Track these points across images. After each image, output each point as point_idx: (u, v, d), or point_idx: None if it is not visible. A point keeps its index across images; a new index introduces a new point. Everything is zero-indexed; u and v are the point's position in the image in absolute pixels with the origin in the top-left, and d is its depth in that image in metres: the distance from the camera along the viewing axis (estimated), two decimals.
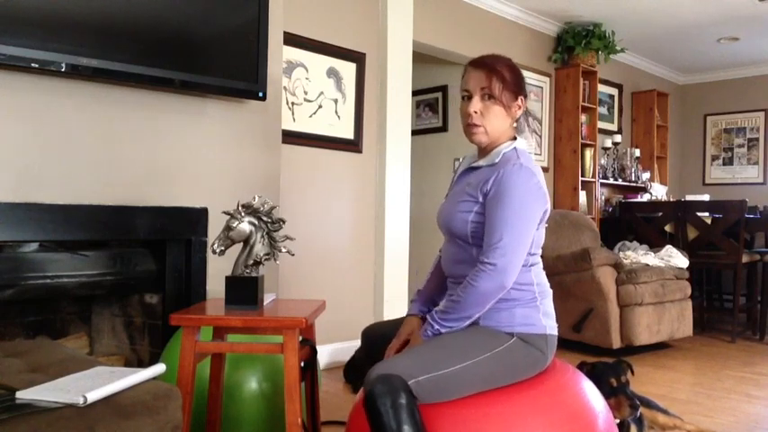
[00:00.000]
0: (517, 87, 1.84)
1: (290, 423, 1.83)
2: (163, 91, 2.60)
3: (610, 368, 2.41)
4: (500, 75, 1.80)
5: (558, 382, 1.82)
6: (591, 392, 1.86)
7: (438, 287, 1.98)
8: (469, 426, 1.63)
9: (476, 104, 1.80)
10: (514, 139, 1.87)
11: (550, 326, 1.82)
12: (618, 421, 2.36)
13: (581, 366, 2.41)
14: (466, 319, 1.74)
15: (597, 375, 2.35)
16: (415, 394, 1.57)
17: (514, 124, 1.88)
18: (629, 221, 5.50)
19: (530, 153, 1.87)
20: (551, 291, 1.89)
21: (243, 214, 1.99)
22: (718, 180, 7.43)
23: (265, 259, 2.00)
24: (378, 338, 1.97)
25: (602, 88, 6.23)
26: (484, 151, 1.88)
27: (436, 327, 1.75)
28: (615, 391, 2.33)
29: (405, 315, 2.01)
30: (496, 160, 1.80)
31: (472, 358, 1.66)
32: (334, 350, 3.78)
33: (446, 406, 1.65)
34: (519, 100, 1.85)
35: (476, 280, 1.70)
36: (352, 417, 1.84)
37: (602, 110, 6.35)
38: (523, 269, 1.79)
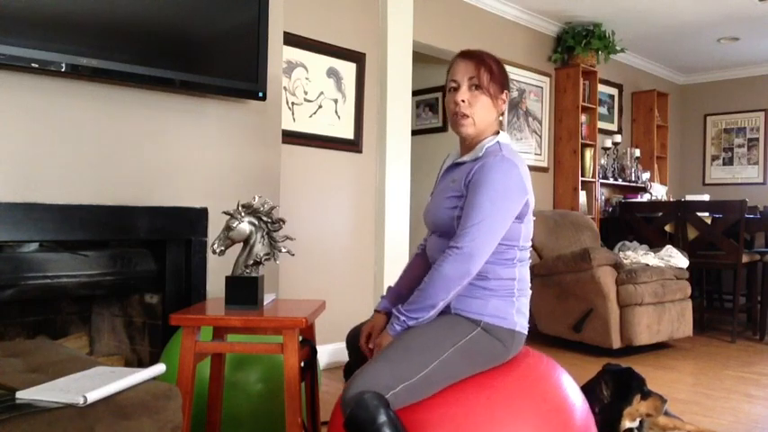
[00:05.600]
0: (503, 81, 1.86)
1: (289, 423, 1.83)
2: (163, 91, 2.60)
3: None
4: (488, 66, 1.83)
5: (533, 372, 1.82)
6: (567, 382, 1.86)
7: (409, 286, 1.94)
8: (449, 421, 1.63)
9: (464, 93, 1.82)
10: (497, 133, 1.88)
11: (521, 324, 1.81)
12: (633, 425, 2.41)
13: (621, 372, 2.48)
14: (430, 308, 1.71)
15: (638, 377, 2.45)
16: (391, 405, 1.57)
17: (500, 118, 1.89)
18: (629, 221, 5.50)
19: (516, 149, 1.88)
20: (531, 292, 1.88)
21: (243, 214, 1.99)
22: (718, 180, 7.43)
23: (265, 259, 2.00)
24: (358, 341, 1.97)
25: (602, 88, 6.23)
26: (467, 147, 1.88)
27: (402, 319, 1.73)
28: (650, 393, 2.43)
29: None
30: (480, 154, 1.81)
31: (439, 356, 1.65)
32: (334, 350, 3.78)
33: (422, 406, 1.65)
34: (504, 94, 1.87)
35: (441, 264, 1.70)
36: (334, 416, 1.84)
37: (602, 110, 6.35)
38: (509, 263, 1.79)
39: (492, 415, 1.66)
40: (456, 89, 1.84)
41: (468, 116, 1.82)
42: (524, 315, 1.83)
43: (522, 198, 1.76)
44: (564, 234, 4.87)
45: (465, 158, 1.86)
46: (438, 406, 1.66)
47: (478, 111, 1.82)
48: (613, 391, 2.41)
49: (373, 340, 1.85)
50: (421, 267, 1.99)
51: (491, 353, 1.75)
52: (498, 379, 1.75)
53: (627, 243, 5.04)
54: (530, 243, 1.86)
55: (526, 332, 1.83)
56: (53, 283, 2.43)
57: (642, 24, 5.71)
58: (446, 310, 1.78)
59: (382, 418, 1.51)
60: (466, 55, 1.86)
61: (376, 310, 1.98)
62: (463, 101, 1.81)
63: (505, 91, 1.87)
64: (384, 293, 2.05)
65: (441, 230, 1.85)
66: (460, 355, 1.68)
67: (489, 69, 1.82)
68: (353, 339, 2.00)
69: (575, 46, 5.65)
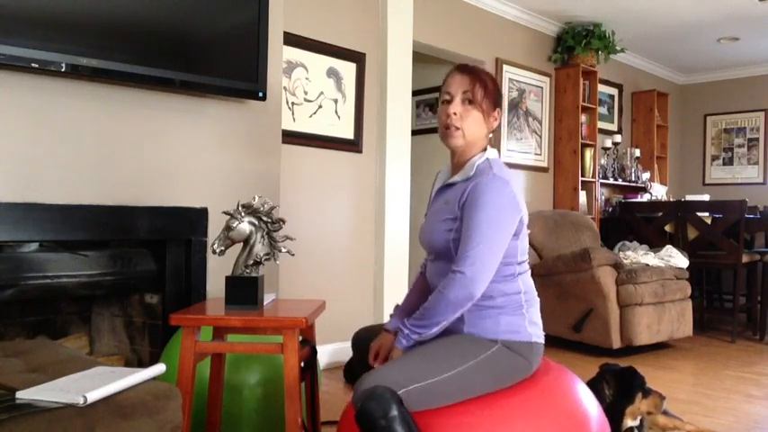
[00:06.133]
0: (497, 98, 1.87)
1: (289, 423, 1.83)
2: (163, 91, 2.60)
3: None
4: (483, 82, 1.84)
5: (552, 385, 1.82)
6: (585, 395, 1.86)
7: (417, 303, 1.94)
8: (466, 430, 1.62)
9: (456, 106, 1.82)
10: (485, 149, 1.88)
11: (536, 334, 1.81)
12: (634, 424, 2.43)
13: (622, 372, 2.51)
14: (435, 326, 1.73)
15: (639, 376, 2.49)
16: (404, 403, 1.57)
17: (490, 135, 1.90)
18: (629, 221, 5.50)
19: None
20: (539, 299, 1.88)
21: (243, 214, 1.99)
22: (718, 180, 7.43)
23: (265, 259, 2.00)
24: (368, 344, 1.96)
25: (602, 88, 6.23)
26: (457, 165, 1.89)
27: (406, 332, 1.75)
28: (650, 391, 2.47)
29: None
30: (471, 173, 1.81)
31: (458, 367, 1.66)
32: (334, 350, 3.78)
33: (441, 412, 1.65)
34: (496, 112, 1.87)
35: (445, 288, 1.71)
36: (344, 417, 1.84)
37: (602, 110, 6.35)
38: (510, 278, 1.79)
39: (511, 427, 1.65)
40: (449, 101, 1.84)
41: (458, 128, 1.82)
42: (537, 324, 1.83)
43: (516, 216, 1.77)
44: (564, 234, 4.87)
45: (456, 179, 1.86)
46: (457, 414, 1.65)
47: (469, 125, 1.82)
48: (616, 391, 2.43)
49: (380, 359, 1.86)
50: (424, 288, 1.99)
51: (514, 368, 1.75)
52: (521, 393, 1.74)
53: (627, 243, 5.04)
54: (526, 256, 1.87)
55: (543, 341, 1.83)
56: (53, 283, 2.42)
57: (642, 24, 5.71)
58: (459, 333, 1.78)
59: (394, 412, 1.52)
60: (462, 69, 1.87)
61: (385, 329, 1.97)
62: (455, 113, 1.82)
63: (498, 109, 1.88)
64: (392, 312, 2.05)
65: (437, 252, 1.85)
66: (481, 370, 1.69)
67: (484, 85, 1.83)
68: (359, 341, 2.01)
69: (575, 46, 5.65)
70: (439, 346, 1.72)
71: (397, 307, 2.04)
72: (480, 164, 1.82)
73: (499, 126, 1.94)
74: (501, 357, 1.73)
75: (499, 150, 4.78)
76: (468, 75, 1.84)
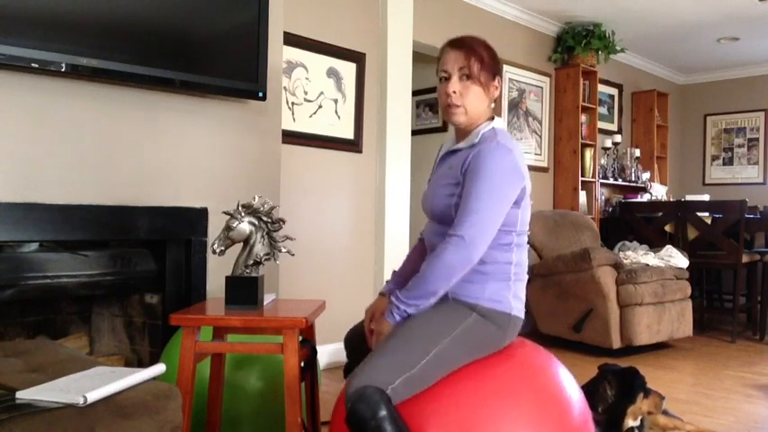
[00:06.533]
0: (494, 68, 1.84)
1: (289, 423, 1.84)
2: (163, 91, 2.60)
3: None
4: (478, 55, 1.81)
5: (531, 364, 1.82)
6: (563, 374, 1.87)
7: (413, 270, 1.91)
8: (448, 412, 1.64)
9: (455, 84, 1.80)
10: (492, 119, 1.87)
11: (517, 308, 1.81)
12: (635, 424, 2.44)
13: (624, 372, 2.54)
14: (431, 296, 1.71)
15: (640, 376, 2.51)
16: (392, 399, 1.57)
17: (492, 105, 1.89)
18: (629, 221, 5.50)
19: (514, 137, 1.88)
20: (527, 277, 1.88)
21: (243, 214, 1.99)
22: (718, 180, 7.43)
23: (265, 259, 2.00)
24: (359, 340, 1.96)
25: (602, 88, 6.22)
26: (463, 133, 1.88)
27: (402, 308, 1.73)
28: (650, 390, 2.50)
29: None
30: (475, 140, 1.80)
31: (436, 347, 1.65)
32: (334, 350, 3.78)
33: (423, 398, 1.66)
34: (496, 80, 1.85)
35: (441, 251, 1.70)
36: (335, 415, 1.84)
37: (602, 110, 6.35)
38: (506, 247, 1.79)
39: (489, 405, 1.66)
40: (447, 79, 1.82)
41: (459, 105, 1.81)
42: (520, 299, 1.83)
43: (518, 183, 1.76)
44: (564, 234, 4.87)
45: (461, 145, 1.85)
46: (437, 398, 1.66)
47: (471, 101, 1.81)
48: (617, 391, 2.44)
49: (375, 322, 1.85)
50: (422, 254, 1.98)
51: (487, 337, 1.75)
52: (496, 369, 1.75)
53: (627, 243, 5.04)
54: (527, 228, 1.86)
55: (522, 316, 1.83)
56: (53, 283, 2.42)
57: (642, 24, 5.71)
58: (443, 295, 1.77)
59: (382, 412, 1.52)
60: (455, 44, 1.84)
61: (381, 293, 1.99)
62: (454, 92, 1.80)
63: (497, 77, 1.86)
64: (388, 279, 2.06)
65: (438, 217, 1.85)
66: (458, 343, 1.69)
67: (480, 59, 1.80)
68: (351, 340, 2.01)
69: (575, 46, 5.65)
70: (418, 324, 1.70)
71: (394, 273, 2.04)
72: (486, 132, 1.81)
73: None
74: (475, 327, 1.72)
75: None
76: (461, 50, 1.81)
